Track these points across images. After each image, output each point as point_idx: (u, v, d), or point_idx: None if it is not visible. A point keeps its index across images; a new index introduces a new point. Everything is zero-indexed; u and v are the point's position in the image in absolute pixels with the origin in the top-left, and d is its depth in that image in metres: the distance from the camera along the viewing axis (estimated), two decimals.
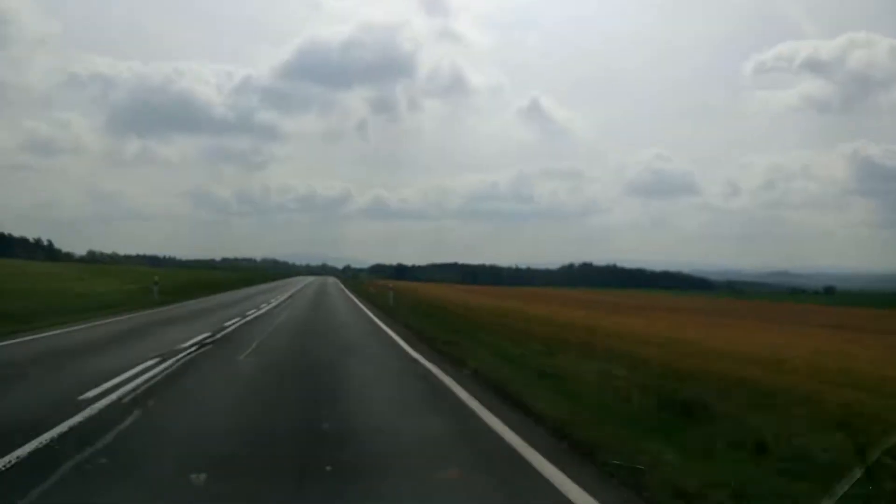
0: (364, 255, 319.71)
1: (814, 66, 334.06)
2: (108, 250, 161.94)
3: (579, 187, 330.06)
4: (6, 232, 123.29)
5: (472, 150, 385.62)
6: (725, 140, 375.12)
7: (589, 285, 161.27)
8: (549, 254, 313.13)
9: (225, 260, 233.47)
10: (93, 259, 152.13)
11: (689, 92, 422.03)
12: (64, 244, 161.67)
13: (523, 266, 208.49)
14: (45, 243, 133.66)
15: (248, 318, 18.70)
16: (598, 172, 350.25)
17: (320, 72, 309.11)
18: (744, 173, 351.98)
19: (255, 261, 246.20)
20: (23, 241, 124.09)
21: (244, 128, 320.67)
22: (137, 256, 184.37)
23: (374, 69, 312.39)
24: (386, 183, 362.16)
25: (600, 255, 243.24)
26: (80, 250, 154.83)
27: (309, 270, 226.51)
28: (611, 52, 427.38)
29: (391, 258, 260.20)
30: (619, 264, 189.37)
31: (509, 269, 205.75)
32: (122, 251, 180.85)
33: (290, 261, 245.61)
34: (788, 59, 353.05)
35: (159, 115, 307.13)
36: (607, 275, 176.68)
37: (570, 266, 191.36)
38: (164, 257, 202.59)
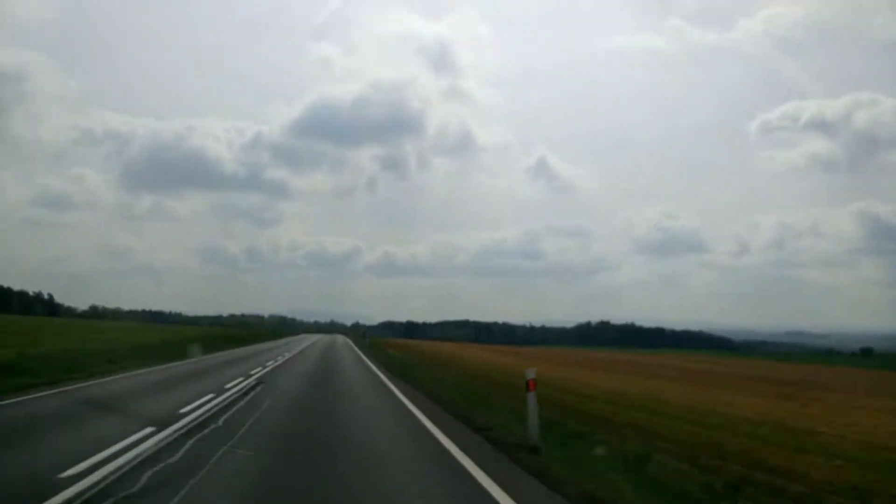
0: (373, 311, 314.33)
1: (819, 126, 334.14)
2: (111, 305, 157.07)
3: (587, 245, 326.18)
4: (5, 285, 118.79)
5: (481, 207, 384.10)
6: (733, 198, 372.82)
7: (606, 344, 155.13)
8: (561, 311, 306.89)
9: (232, 316, 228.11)
10: (95, 314, 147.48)
11: (696, 149, 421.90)
12: (65, 299, 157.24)
13: (537, 324, 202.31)
14: (46, 297, 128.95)
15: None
16: (606, 230, 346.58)
17: (330, 130, 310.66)
18: (752, 232, 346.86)
19: (262, 317, 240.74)
20: (21, 295, 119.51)
21: (255, 184, 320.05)
22: (142, 312, 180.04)
23: (383, 127, 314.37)
24: (395, 239, 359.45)
25: (611, 313, 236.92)
26: (81, 305, 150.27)
27: (317, 328, 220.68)
28: (617, 110, 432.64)
29: (401, 315, 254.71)
30: (637, 323, 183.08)
31: (523, 328, 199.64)
32: (126, 306, 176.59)
33: (299, 317, 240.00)
34: (793, 118, 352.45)
35: (171, 171, 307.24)
36: (625, 334, 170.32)
37: (588, 325, 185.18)
38: (170, 313, 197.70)
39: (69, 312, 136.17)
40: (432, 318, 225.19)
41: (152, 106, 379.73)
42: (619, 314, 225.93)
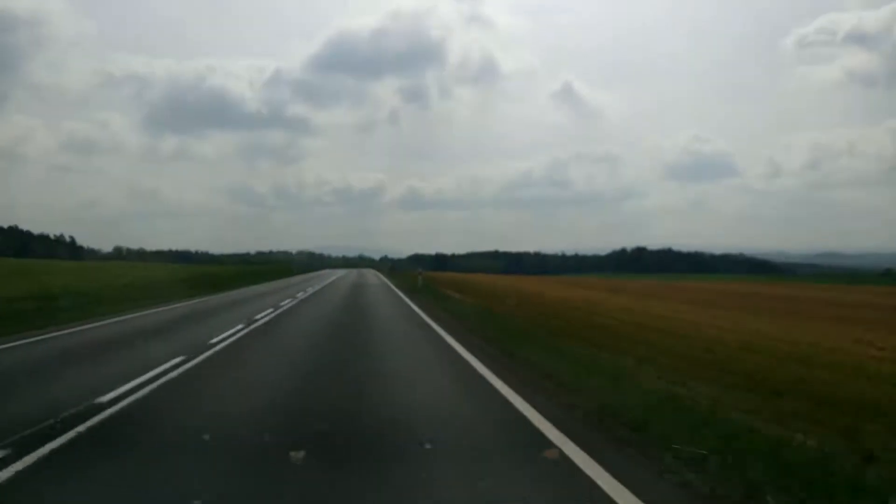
0: (401, 245, 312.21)
1: (858, 39, 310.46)
2: (135, 246, 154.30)
3: (616, 171, 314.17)
4: (25, 228, 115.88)
5: (506, 137, 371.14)
6: (766, 119, 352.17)
7: (644, 271, 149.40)
8: (592, 239, 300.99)
9: (260, 253, 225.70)
10: (119, 255, 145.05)
11: (728, 70, 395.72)
12: (90, 241, 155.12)
13: (570, 252, 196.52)
14: (68, 240, 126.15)
15: None
16: (635, 156, 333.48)
17: (350, 63, 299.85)
18: (786, 153, 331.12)
19: (290, 253, 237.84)
20: (42, 239, 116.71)
21: (277, 122, 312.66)
22: (167, 252, 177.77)
23: (404, 58, 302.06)
24: (419, 173, 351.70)
25: (642, 240, 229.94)
26: (106, 247, 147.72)
27: (346, 262, 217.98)
28: (645, 33, 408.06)
29: (428, 248, 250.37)
30: (674, 248, 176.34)
31: (555, 257, 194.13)
32: (151, 247, 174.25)
33: (326, 253, 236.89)
34: (831, 31, 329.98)
35: (194, 111, 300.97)
36: (663, 259, 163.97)
37: (623, 251, 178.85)
38: (197, 252, 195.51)
39: (92, 255, 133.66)
40: (460, 249, 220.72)
41: (171, 47, 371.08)
42: (650, 240, 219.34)
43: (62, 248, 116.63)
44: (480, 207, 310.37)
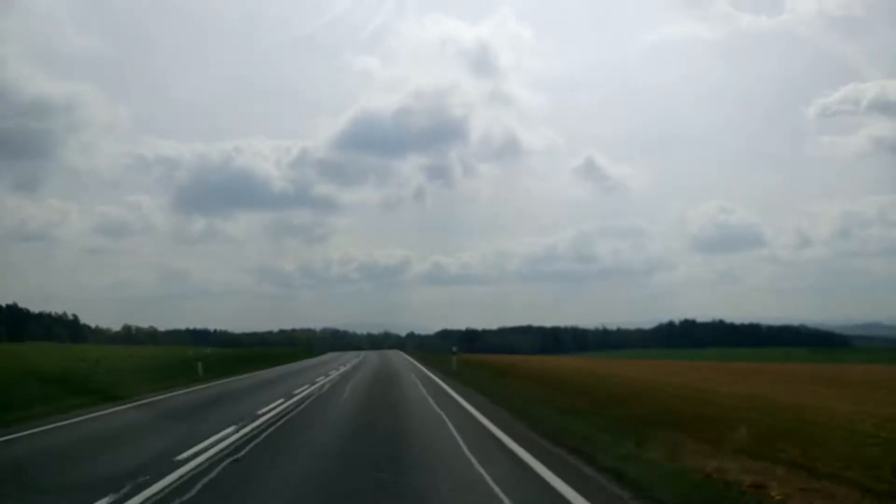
0: (427, 321, 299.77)
1: (882, 107, 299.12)
2: (145, 325, 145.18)
3: (642, 244, 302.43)
4: (23, 307, 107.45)
5: (529, 212, 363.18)
6: (791, 188, 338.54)
7: (696, 345, 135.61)
8: (623, 312, 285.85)
9: (282, 331, 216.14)
10: (129, 335, 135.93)
11: (749, 140, 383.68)
12: (91, 319, 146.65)
13: (611, 327, 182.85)
14: (70, 318, 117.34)
15: None
16: (660, 227, 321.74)
17: (374, 141, 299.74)
18: (813, 222, 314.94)
19: (314, 331, 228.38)
20: (39, 318, 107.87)
21: (304, 201, 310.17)
22: (185, 331, 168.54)
23: (427, 136, 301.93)
24: (444, 248, 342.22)
25: (671, 312, 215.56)
26: (115, 326, 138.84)
27: (370, 340, 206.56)
28: (665, 104, 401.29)
29: (456, 323, 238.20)
30: (726, 320, 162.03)
31: (595, 332, 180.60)
32: (165, 326, 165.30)
33: (352, 330, 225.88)
34: (854, 101, 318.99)
35: (221, 192, 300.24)
36: (716, 332, 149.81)
37: (670, 325, 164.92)
38: (216, 331, 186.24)
39: (98, 335, 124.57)
40: (490, 324, 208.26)
41: (199, 129, 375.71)
42: (679, 312, 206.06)
43: (61, 328, 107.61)
44: (505, 282, 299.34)
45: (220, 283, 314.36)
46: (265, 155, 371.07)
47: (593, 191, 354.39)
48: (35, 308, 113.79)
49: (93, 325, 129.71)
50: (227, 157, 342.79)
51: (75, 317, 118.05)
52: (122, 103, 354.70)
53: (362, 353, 66.18)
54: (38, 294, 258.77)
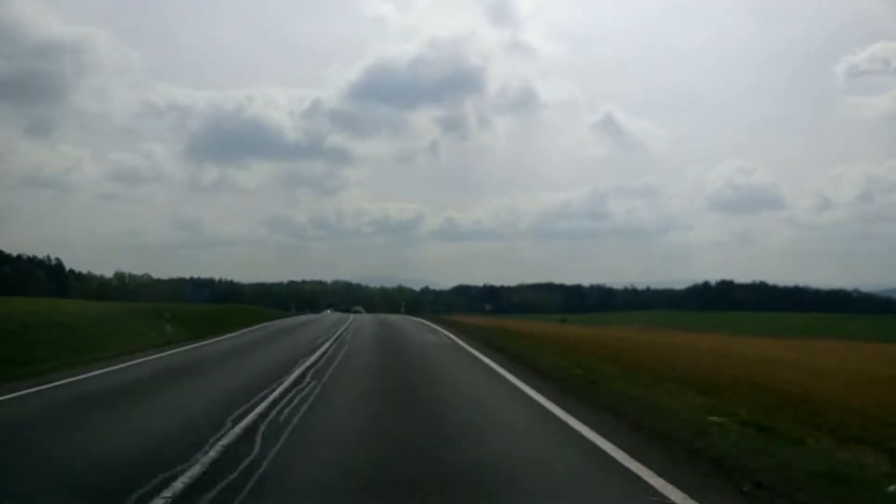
0: (441, 276, 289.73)
1: None
2: (139, 272, 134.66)
3: (659, 202, 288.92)
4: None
5: (545, 168, 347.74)
6: (814, 150, 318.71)
7: (735, 308, 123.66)
8: (648, 272, 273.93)
9: (291, 283, 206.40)
10: (121, 283, 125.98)
11: (775, 101, 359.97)
12: (85, 265, 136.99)
13: (640, 286, 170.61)
14: (52, 263, 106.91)
15: None
16: (677, 187, 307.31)
17: (388, 92, 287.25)
18: (835, 185, 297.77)
19: (325, 283, 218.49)
20: (15, 261, 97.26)
21: (317, 152, 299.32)
22: (189, 280, 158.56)
23: (442, 87, 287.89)
24: (458, 203, 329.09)
25: (688, 272, 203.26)
26: (107, 272, 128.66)
27: (384, 296, 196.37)
28: (688, 61, 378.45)
29: (471, 278, 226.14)
30: (768, 282, 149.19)
31: (624, 292, 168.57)
32: (169, 274, 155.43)
33: (364, 283, 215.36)
34: (884, 60, 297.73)
35: (234, 141, 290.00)
36: (758, 294, 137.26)
37: (705, 285, 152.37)
38: (221, 280, 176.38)
39: (84, 281, 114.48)
40: (507, 280, 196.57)
41: (211, 77, 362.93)
42: (697, 273, 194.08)
43: (41, 274, 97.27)
44: (518, 238, 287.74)
45: (230, 232, 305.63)
46: (278, 104, 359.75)
47: (611, 147, 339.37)
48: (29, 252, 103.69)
49: (84, 271, 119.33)
50: (240, 106, 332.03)
51: (59, 261, 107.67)
52: (133, 48, 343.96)
53: (348, 320, 39.24)
54: (36, 238, 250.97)
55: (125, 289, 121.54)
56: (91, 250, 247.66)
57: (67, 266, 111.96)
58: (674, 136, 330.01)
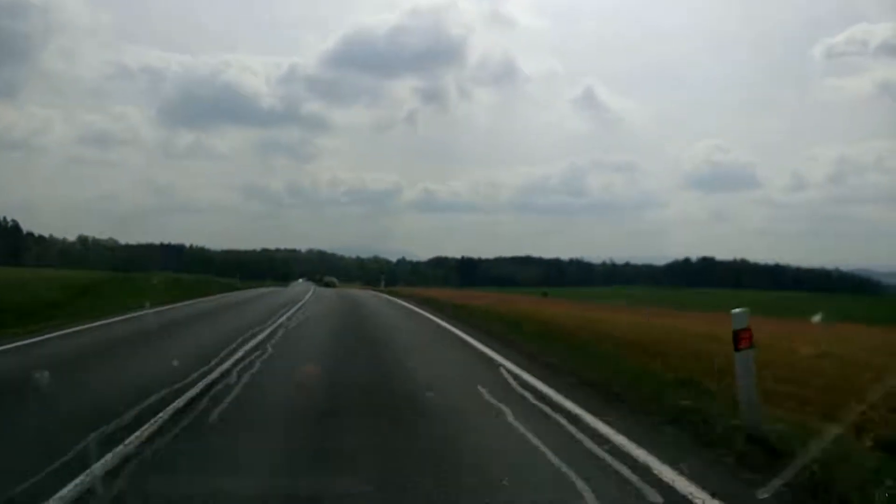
0: (418, 247, 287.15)
1: (891, 50, 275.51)
2: (103, 236, 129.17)
3: (635, 179, 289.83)
4: None
5: (524, 141, 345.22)
6: (790, 131, 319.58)
7: (714, 285, 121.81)
8: (625, 247, 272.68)
9: (264, 250, 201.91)
10: (84, 247, 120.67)
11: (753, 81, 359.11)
12: (46, 229, 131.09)
13: (619, 261, 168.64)
14: (9, 224, 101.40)
15: None
16: (654, 164, 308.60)
17: (368, 61, 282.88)
18: (810, 165, 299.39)
19: (299, 251, 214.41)
20: None
21: (293, 119, 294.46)
22: (157, 246, 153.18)
23: (422, 57, 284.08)
24: (435, 175, 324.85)
25: (661, 249, 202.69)
26: (69, 235, 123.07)
27: (360, 264, 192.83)
28: (668, 39, 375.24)
29: (448, 250, 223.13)
30: (749, 259, 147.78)
31: (602, 266, 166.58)
32: (145, 240, 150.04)
33: (339, 253, 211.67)
34: (862, 42, 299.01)
35: (209, 107, 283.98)
36: (739, 272, 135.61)
37: (686, 261, 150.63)
38: (192, 247, 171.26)
39: (46, 245, 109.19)
40: (484, 253, 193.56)
41: (186, 41, 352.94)
42: (670, 250, 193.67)
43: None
44: (497, 212, 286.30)
45: (204, 198, 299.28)
46: (254, 70, 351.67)
47: (591, 122, 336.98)
48: None
49: (45, 234, 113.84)
50: (215, 71, 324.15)
51: (15, 223, 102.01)
52: (102, 9, 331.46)
53: (301, 300, 31.22)
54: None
55: (88, 253, 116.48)
56: (57, 214, 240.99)
57: (25, 229, 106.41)
58: (653, 113, 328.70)
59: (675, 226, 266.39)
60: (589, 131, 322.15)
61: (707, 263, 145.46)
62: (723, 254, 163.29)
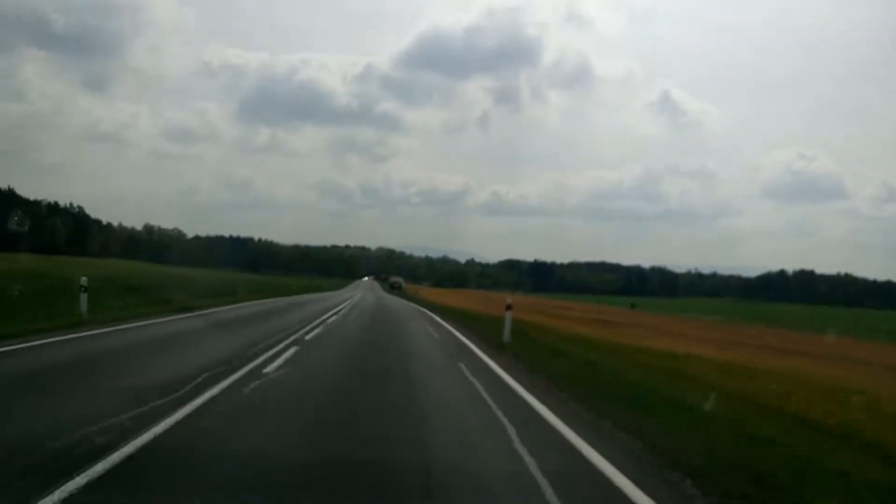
0: (487, 249, 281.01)
1: None
2: (169, 226, 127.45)
3: (710, 187, 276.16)
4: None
5: (596, 144, 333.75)
6: (879, 141, 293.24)
7: (818, 301, 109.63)
8: (702, 256, 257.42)
9: (334, 247, 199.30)
10: (150, 235, 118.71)
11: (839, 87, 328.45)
12: (116, 217, 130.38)
13: (706, 271, 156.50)
14: (75, 210, 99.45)
15: None
16: (731, 172, 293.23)
17: (441, 60, 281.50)
18: None
19: (368, 249, 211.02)
20: (32, 205, 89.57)
21: (367, 118, 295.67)
22: (227, 238, 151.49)
23: (496, 57, 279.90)
24: (505, 177, 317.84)
25: (736, 259, 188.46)
26: (137, 224, 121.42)
27: (429, 266, 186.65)
28: (754, 41, 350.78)
29: (521, 254, 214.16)
30: (851, 273, 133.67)
31: (686, 276, 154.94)
32: (208, 231, 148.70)
33: (409, 252, 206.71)
34: None
35: (286, 104, 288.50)
36: (846, 289, 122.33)
37: (782, 273, 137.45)
38: (260, 240, 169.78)
39: (111, 231, 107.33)
40: (558, 257, 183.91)
41: (266, 40, 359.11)
42: (744, 260, 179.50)
43: (56, 222, 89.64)
44: (565, 216, 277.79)
45: (279, 194, 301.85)
46: (331, 68, 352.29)
47: (665, 126, 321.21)
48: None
49: (114, 222, 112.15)
50: (293, 69, 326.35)
51: (81, 209, 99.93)
52: (188, 6, 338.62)
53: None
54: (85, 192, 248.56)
55: (152, 242, 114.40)
56: (130, 203, 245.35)
57: (95, 217, 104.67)
58: (733, 117, 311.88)
59: (761, 236, 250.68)
60: (664, 135, 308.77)
61: (806, 276, 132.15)
62: (826, 267, 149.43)
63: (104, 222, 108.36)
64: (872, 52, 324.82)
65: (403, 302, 40.29)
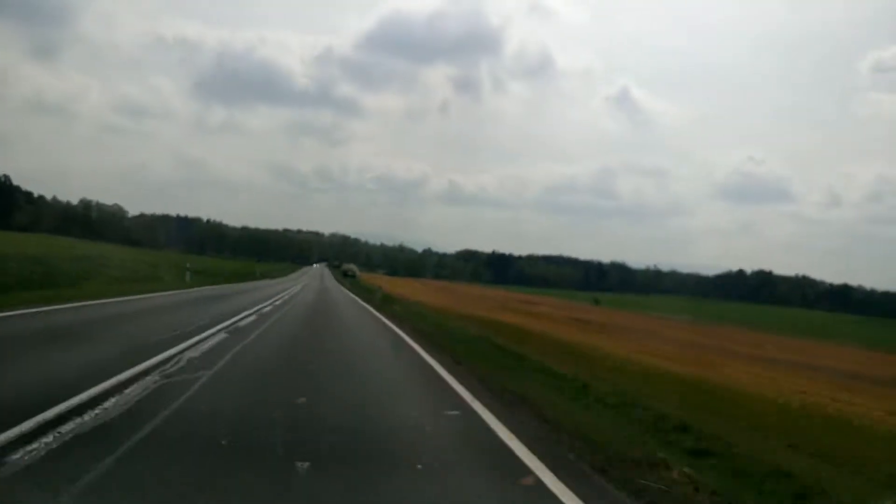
0: (444, 239, 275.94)
1: None
2: (109, 202, 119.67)
3: (665, 185, 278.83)
4: None
5: (554, 138, 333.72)
6: (829, 146, 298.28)
7: (776, 302, 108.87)
8: (655, 253, 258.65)
9: (286, 231, 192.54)
10: (87, 211, 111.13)
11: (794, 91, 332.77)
12: (49, 190, 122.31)
13: (664, 268, 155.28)
14: (1, 178, 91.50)
15: None
16: (685, 170, 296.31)
17: (403, 45, 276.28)
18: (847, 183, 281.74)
19: (321, 234, 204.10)
20: None
21: (326, 101, 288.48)
22: (173, 217, 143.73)
23: (459, 45, 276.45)
24: (463, 166, 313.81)
25: (685, 257, 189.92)
26: (72, 199, 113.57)
27: (384, 254, 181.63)
28: (713, 42, 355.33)
29: (478, 244, 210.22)
30: (809, 275, 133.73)
31: (645, 273, 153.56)
32: (152, 210, 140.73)
33: (364, 238, 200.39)
34: None
35: (243, 83, 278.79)
36: (803, 290, 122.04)
37: (740, 273, 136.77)
38: (209, 221, 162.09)
39: (42, 204, 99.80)
40: (516, 249, 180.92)
41: (224, 15, 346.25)
42: (693, 259, 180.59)
43: None
44: (522, 208, 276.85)
45: (231, 175, 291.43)
46: (290, 48, 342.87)
47: (622, 123, 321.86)
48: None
49: (47, 195, 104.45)
50: (250, 47, 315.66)
51: (7, 178, 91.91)
52: None
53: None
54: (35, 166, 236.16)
55: (89, 218, 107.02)
56: (73, 178, 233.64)
57: (26, 189, 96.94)
58: (691, 116, 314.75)
59: (722, 236, 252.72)
60: (621, 132, 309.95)
61: (764, 277, 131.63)
62: (784, 269, 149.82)
63: (35, 195, 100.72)
64: (828, 58, 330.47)
65: (352, 297, 33.46)
